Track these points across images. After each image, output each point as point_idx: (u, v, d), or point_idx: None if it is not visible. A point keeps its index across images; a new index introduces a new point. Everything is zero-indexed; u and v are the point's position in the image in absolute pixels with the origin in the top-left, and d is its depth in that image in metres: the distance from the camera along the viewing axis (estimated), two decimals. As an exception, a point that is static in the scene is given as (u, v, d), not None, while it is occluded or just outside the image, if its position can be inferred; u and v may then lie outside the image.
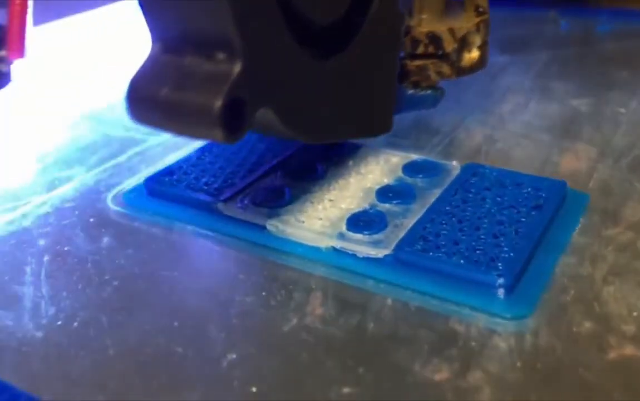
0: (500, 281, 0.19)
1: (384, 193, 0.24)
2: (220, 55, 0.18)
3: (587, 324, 0.18)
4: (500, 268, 0.20)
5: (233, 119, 0.17)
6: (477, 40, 0.26)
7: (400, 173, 0.26)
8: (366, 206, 0.23)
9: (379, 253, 0.21)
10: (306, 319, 0.19)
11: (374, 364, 0.17)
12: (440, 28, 0.26)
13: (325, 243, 0.22)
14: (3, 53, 0.26)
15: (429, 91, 0.26)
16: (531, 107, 0.33)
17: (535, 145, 0.29)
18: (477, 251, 0.21)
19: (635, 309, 0.19)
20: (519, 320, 0.19)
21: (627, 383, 0.17)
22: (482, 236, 0.21)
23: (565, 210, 0.23)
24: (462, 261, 0.20)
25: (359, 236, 0.22)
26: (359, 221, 0.22)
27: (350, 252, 0.21)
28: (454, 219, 0.22)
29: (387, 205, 0.23)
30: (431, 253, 0.21)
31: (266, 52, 0.18)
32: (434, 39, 0.25)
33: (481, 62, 0.27)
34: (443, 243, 0.21)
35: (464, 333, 0.18)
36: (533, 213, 0.22)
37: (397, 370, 0.17)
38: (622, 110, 0.32)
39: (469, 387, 0.17)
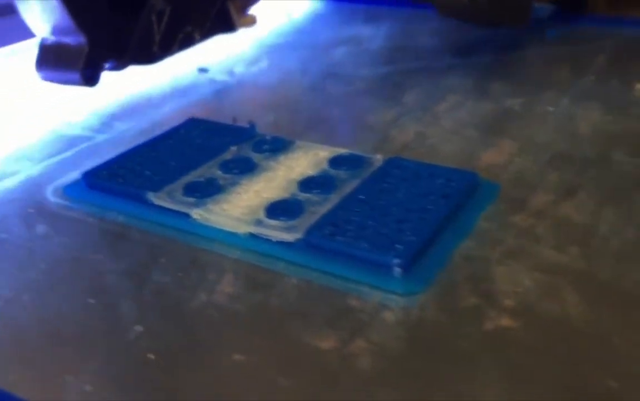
0: (397, 261, 0.21)
1: (306, 184, 0.25)
2: None
3: (472, 300, 0.20)
4: (399, 249, 0.21)
5: None
6: None
7: (325, 166, 0.27)
8: (287, 195, 0.25)
9: (291, 237, 0.22)
10: (215, 297, 0.20)
11: (269, 335, 0.19)
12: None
13: (243, 228, 0.23)
14: None
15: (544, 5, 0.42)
16: (467, 106, 0.34)
17: (463, 141, 0.30)
18: (381, 235, 0.22)
19: (519, 287, 0.20)
20: (411, 296, 0.20)
21: (498, 349, 0.18)
22: (389, 222, 0.23)
23: (476, 199, 0.25)
24: (365, 244, 0.22)
25: (275, 222, 0.23)
26: (277, 209, 0.24)
27: (265, 237, 0.23)
28: (366, 206, 0.24)
29: (307, 195, 0.25)
30: (338, 237, 0.22)
31: None
32: None
33: None
34: (351, 228, 0.23)
35: (358, 307, 0.20)
36: (441, 201, 0.24)
37: (289, 340, 0.19)
38: (551, 108, 0.33)
39: (351, 354, 0.18)
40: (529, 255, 0.22)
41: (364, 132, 0.32)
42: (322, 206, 0.24)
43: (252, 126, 0.31)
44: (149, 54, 0.33)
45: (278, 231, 0.23)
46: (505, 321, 0.19)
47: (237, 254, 0.23)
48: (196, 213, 0.24)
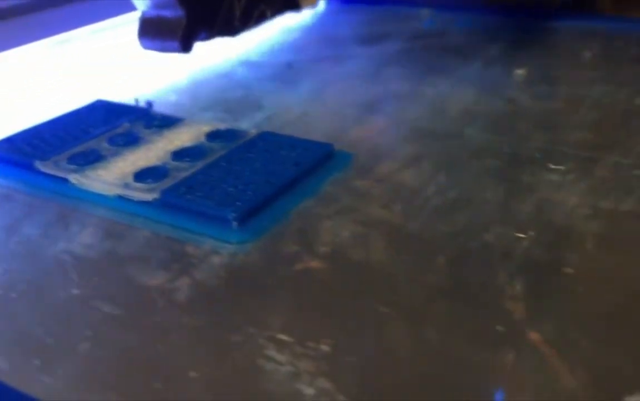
0: (233, 215, 0.24)
1: (179, 154, 0.28)
2: None
3: (294, 247, 0.23)
4: (237, 205, 0.24)
5: None
6: None
7: (202, 139, 0.30)
8: (158, 163, 0.28)
9: (149, 196, 0.25)
10: (71, 246, 0.23)
11: (107, 275, 0.22)
12: None
13: (112, 191, 0.26)
14: None
15: None
16: (356, 89, 0.37)
17: (340, 119, 0.33)
18: (227, 195, 0.25)
19: (337, 237, 0.23)
20: (241, 245, 0.23)
21: (299, 285, 0.21)
22: (238, 184, 0.26)
23: (328, 167, 0.28)
24: (210, 202, 0.25)
25: (140, 185, 0.26)
26: (144, 174, 0.27)
27: (129, 197, 0.26)
28: (224, 172, 0.27)
29: (177, 163, 0.28)
30: (188, 196, 0.25)
31: None
32: None
33: None
34: (204, 189, 0.25)
35: (192, 253, 0.23)
36: (292, 167, 0.27)
37: (124, 279, 0.22)
38: (429, 90, 0.36)
39: (172, 288, 0.21)
40: (357, 212, 0.25)
41: (253, 112, 0.35)
42: (186, 171, 0.27)
43: (149, 105, 0.34)
44: (231, 28, 0.38)
45: (139, 192, 0.26)
46: (314, 264, 0.22)
47: (102, 212, 0.25)
48: (74, 178, 0.27)
